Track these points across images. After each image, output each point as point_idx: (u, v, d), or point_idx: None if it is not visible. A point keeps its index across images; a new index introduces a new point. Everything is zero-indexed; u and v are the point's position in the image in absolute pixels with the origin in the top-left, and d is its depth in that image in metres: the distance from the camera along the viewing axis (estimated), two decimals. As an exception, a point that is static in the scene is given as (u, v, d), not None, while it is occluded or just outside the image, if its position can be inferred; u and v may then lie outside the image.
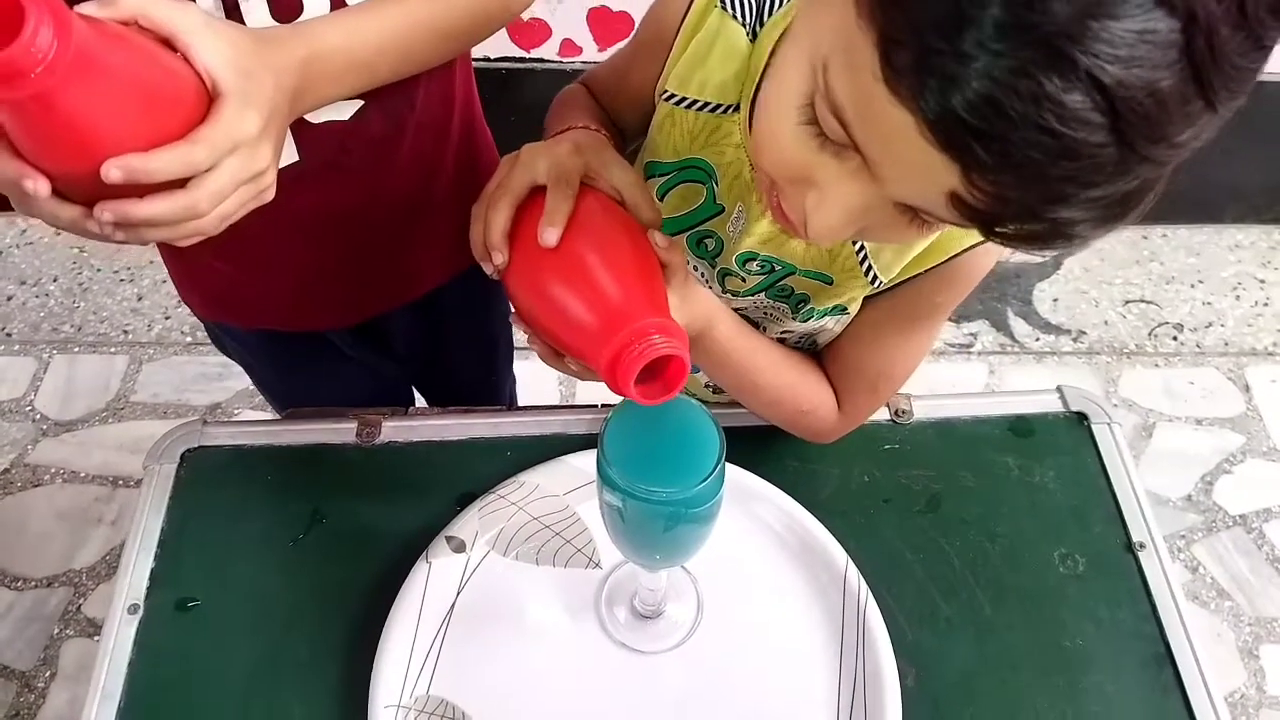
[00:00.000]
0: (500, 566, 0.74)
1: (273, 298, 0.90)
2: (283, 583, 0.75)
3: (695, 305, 0.64)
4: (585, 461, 0.78)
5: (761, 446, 0.81)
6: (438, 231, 0.90)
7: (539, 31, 1.71)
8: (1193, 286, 1.94)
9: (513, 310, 0.59)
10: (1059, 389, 0.85)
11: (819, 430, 0.77)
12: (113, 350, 1.80)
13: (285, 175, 0.72)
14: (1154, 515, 0.79)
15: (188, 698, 0.70)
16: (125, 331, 1.82)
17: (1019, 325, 1.84)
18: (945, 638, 0.72)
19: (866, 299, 0.72)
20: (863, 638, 0.71)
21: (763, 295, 0.74)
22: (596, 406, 0.87)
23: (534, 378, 1.73)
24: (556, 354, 0.59)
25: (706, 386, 0.88)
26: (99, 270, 1.91)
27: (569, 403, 1.73)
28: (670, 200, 0.73)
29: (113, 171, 0.48)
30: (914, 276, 0.68)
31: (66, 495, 1.61)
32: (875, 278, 0.68)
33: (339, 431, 0.83)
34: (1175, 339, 1.85)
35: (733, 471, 0.75)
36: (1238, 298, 1.94)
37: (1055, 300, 1.89)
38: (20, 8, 0.41)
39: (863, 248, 0.67)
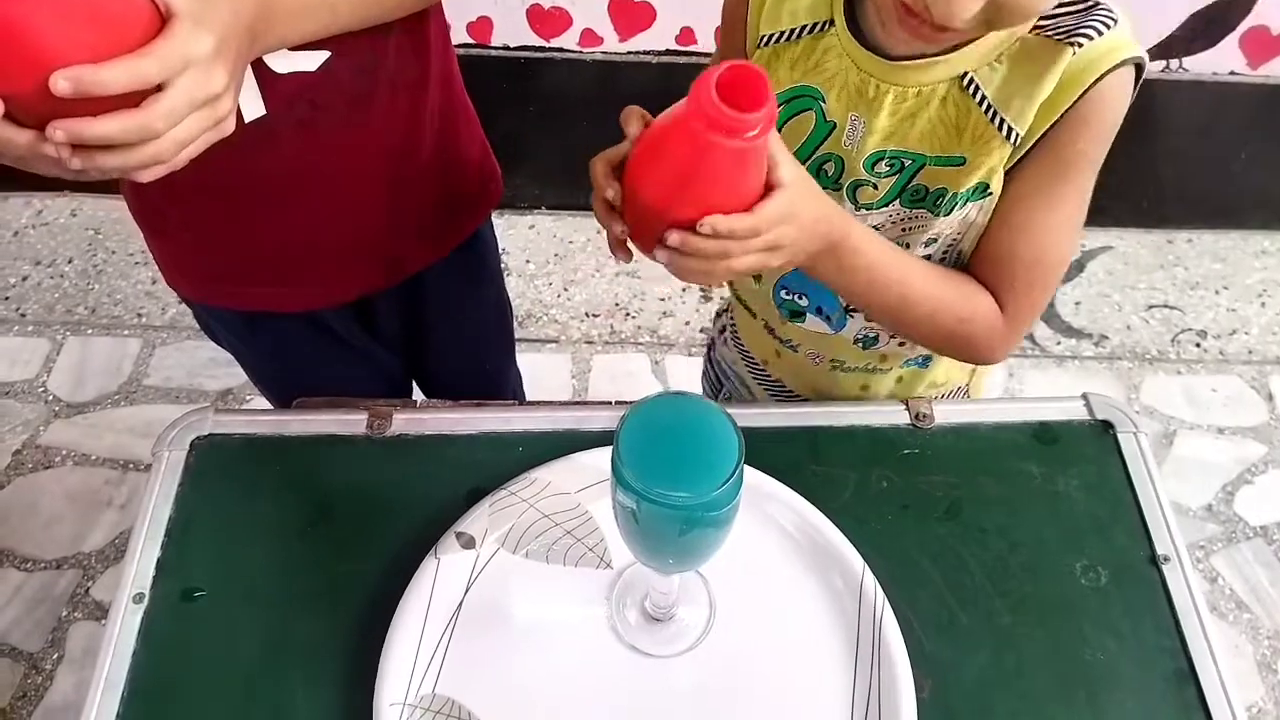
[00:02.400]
0: (510, 564, 0.73)
1: (254, 274, 0.89)
2: (289, 575, 0.74)
3: (824, 204, 0.66)
4: (598, 459, 0.77)
5: (776, 449, 0.79)
6: (417, 209, 0.88)
7: (559, 21, 1.69)
8: (1217, 293, 1.91)
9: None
10: (1084, 396, 0.84)
11: (983, 341, 0.76)
12: (126, 333, 1.79)
13: (258, 133, 0.71)
14: (1179, 527, 0.77)
15: (191, 689, 0.69)
16: (139, 314, 1.82)
17: (1040, 328, 1.82)
18: (963, 648, 0.71)
19: (1008, 175, 0.72)
20: (878, 647, 0.69)
21: (897, 204, 0.74)
22: (611, 403, 0.86)
23: (545, 373, 1.73)
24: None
25: (856, 342, 0.87)
26: (114, 252, 1.91)
27: (582, 398, 1.72)
28: (783, 140, 0.74)
29: (60, 82, 0.49)
30: (1049, 131, 0.69)
31: (77, 477, 1.61)
32: (1011, 131, 0.69)
33: (349, 423, 0.81)
34: (1198, 345, 1.82)
35: (748, 473, 0.73)
36: (1263, 305, 1.91)
37: (1078, 304, 1.87)
38: None
39: (989, 106, 0.69)
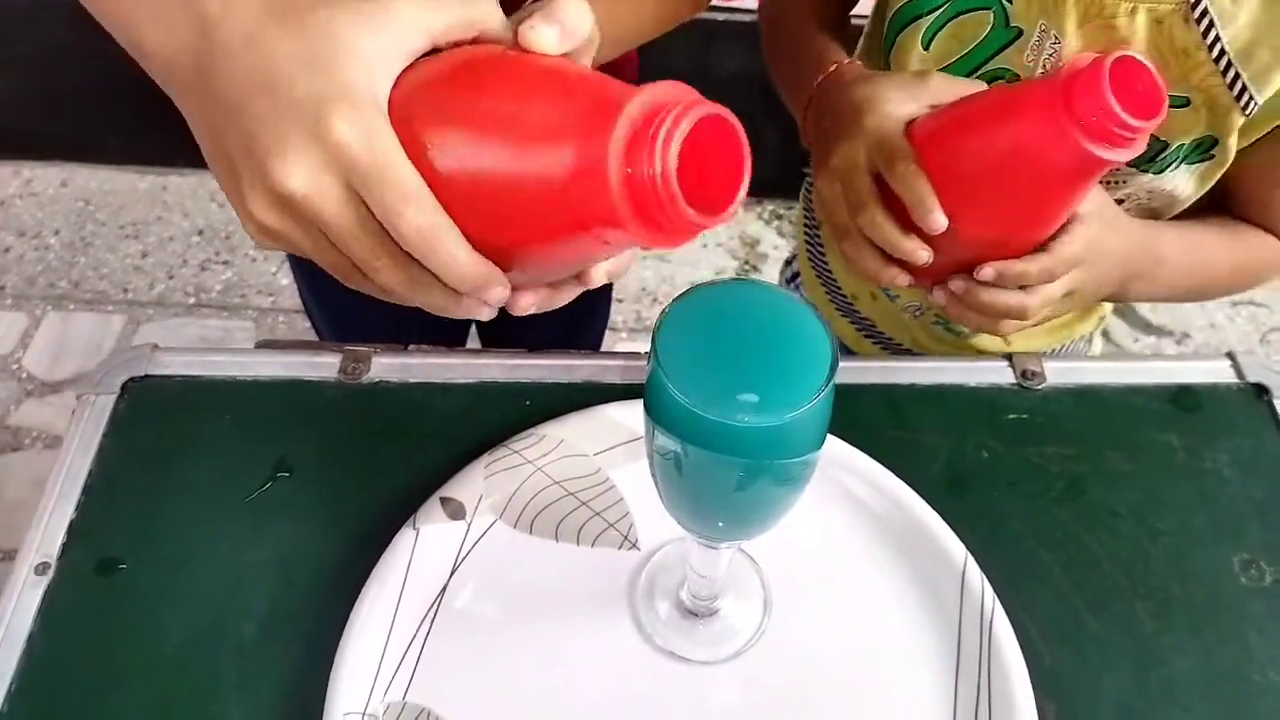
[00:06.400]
0: (508, 540, 0.58)
1: None
2: (231, 547, 0.58)
3: (1126, 236, 0.58)
4: (625, 414, 0.61)
5: (850, 409, 0.62)
6: None
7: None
8: (1307, 290, 1.74)
9: None
10: (1230, 355, 0.67)
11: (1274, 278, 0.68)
12: (110, 309, 1.66)
13: None
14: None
15: (97, 683, 0.53)
16: (125, 289, 1.68)
17: (1116, 325, 1.65)
18: (1095, 664, 0.54)
19: (1243, 152, 0.59)
20: (987, 659, 0.53)
21: None
22: (641, 355, 0.70)
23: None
24: None
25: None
26: (104, 224, 1.78)
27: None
28: (938, 45, 0.60)
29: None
30: None
31: (46, 461, 1.47)
32: (1244, 95, 0.55)
33: (319, 365, 0.66)
34: (1289, 346, 1.66)
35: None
36: (1355, 305, 1.73)
37: (1154, 298, 1.70)
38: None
39: (1221, 52, 0.53)
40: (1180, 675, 0.54)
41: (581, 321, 1.05)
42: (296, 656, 0.54)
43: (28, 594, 0.56)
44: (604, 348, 1.61)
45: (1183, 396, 0.65)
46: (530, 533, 0.58)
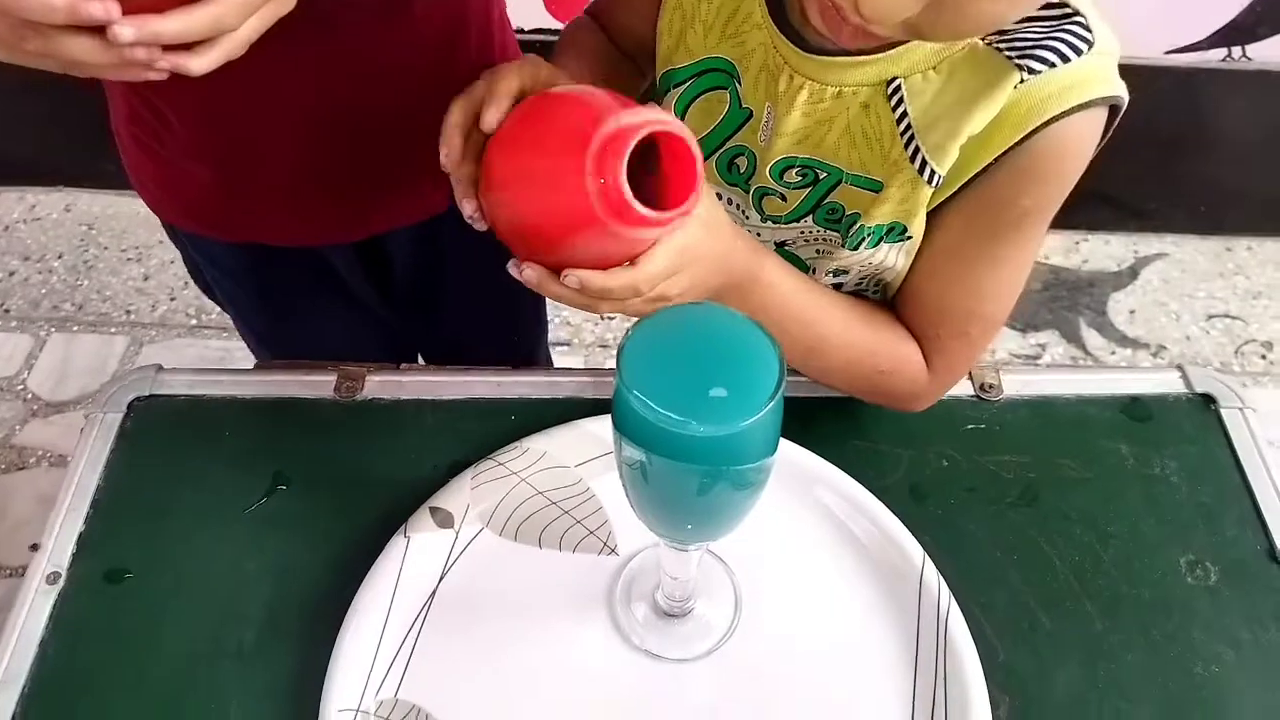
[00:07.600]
0: (494, 547, 0.61)
1: (260, 205, 0.78)
2: (232, 556, 0.62)
3: (727, 239, 0.54)
4: (604, 428, 0.65)
5: (817, 421, 0.67)
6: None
7: (575, 4, 1.60)
8: (1282, 302, 1.77)
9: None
10: (1180, 367, 0.71)
11: (905, 393, 0.64)
12: (113, 330, 1.69)
13: (278, 28, 0.62)
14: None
15: (106, 687, 0.57)
16: (128, 311, 1.72)
17: (1092, 337, 1.68)
18: (1047, 659, 0.58)
19: (933, 218, 0.59)
20: (944, 655, 0.56)
21: (810, 220, 0.62)
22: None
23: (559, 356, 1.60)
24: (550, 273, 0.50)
25: None
26: (106, 248, 1.81)
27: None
28: (691, 117, 0.63)
29: None
30: (983, 175, 0.55)
31: (51, 480, 1.50)
32: (925, 167, 0.55)
33: (315, 385, 0.70)
34: (1264, 358, 1.68)
35: (784, 446, 0.61)
36: (1331, 318, 1.76)
37: (1132, 312, 1.73)
38: None
39: (907, 127, 0.55)
40: (1127, 669, 0.58)
41: (527, 357, 1.07)
42: (295, 658, 0.57)
43: (40, 602, 0.60)
44: (596, 364, 1.64)
45: (1133, 407, 0.69)
46: (515, 540, 0.61)
